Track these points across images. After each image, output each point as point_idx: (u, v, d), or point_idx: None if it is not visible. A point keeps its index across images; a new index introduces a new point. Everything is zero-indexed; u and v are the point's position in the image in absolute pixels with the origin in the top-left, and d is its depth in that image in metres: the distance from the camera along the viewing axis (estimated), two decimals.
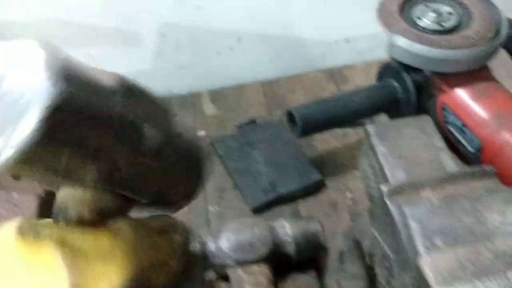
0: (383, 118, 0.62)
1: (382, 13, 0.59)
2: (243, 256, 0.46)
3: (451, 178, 0.41)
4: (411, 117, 0.50)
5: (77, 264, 0.28)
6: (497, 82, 0.58)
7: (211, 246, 0.46)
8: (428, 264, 0.32)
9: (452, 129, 0.57)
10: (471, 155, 0.56)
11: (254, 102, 0.71)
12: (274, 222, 0.50)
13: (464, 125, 0.55)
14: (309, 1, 0.78)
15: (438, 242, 0.33)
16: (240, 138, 0.64)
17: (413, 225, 0.36)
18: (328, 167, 0.62)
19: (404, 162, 0.46)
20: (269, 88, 0.74)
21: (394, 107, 0.60)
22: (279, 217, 0.55)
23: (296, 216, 0.57)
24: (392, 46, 0.56)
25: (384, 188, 0.41)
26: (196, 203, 0.57)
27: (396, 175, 0.45)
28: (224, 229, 0.47)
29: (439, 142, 0.47)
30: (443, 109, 0.57)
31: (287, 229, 0.48)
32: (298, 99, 0.71)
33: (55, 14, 0.72)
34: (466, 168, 0.42)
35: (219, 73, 0.83)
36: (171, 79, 0.82)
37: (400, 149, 0.47)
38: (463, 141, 0.56)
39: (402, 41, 0.55)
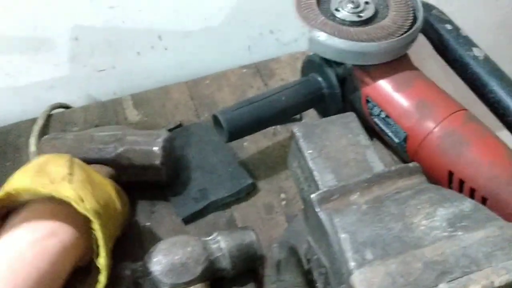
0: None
1: (300, 7, 0.58)
2: (177, 279, 0.44)
3: (378, 179, 0.41)
4: (337, 115, 0.49)
5: None
6: (417, 70, 0.58)
7: (142, 272, 0.44)
8: (359, 282, 0.31)
9: (377, 120, 0.58)
10: (397, 145, 0.56)
11: (180, 104, 0.69)
12: (206, 236, 0.48)
13: (388, 116, 0.56)
14: None
15: (368, 255, 0.33)
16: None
17: (343, 236, 0.35)
18: (260, 168, 0.60)
19: (332, 164, 0.46)
20: (195, 88, 0.71)
21: (320, 102, 0.60)
22: (213, 229, 0.54)
23: (231, 224, 0.55)
24: (311, 40, 0.55)
25: (314, 197, 0.40)
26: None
27: (324, 178, 0.45)
28: (154, 252, 0.45)
29: (365, 140, 0.47)
30: (367, 101, 0.58)
31: (220, 243, 0.46)
32: (225, 98, 0.69)
33: None
34: (392, 167, 0.42)
35: (141, 74, 0.79)
36: (89, 84, 0.78)
37: (327, 149, 0.47)
38: (388, 132, 0.57)
39: (321, 36, 0.55)
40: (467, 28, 0.64)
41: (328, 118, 0.49)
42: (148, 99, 0.69)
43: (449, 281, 0.31)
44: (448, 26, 0.62)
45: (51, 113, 0.68)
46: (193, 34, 0.78)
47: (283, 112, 0.57)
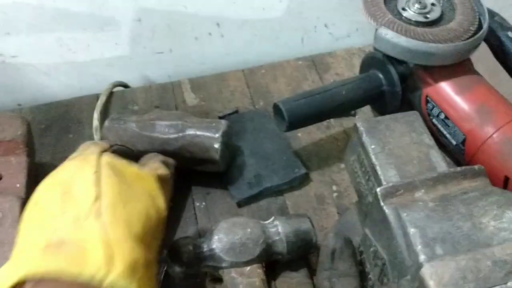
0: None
1: (368, 4, 0.58)
2: (236, 257, 0.45)
3: (443, 179, 0.42)
4: (400, 113, 0.50)
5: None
6: (479, 75, 0.58)
7: (204, 247, 0.46)
8: (430, 275, 0.32)
9: (435, 121, 0.58)
10: (454, 147, 0.57)
11: (236, 91, 0.70)
12: (265, 220, 0.50)
13: (447, 117, 0.56)
14: None
15: (439, 250, 0.34)
16: None
17: (412, 231, 0.36)
18: (313, 159, 0.62)
19: (395, 160, 0.46)
20: (250, 76, 0.72)
21: (379, 99, 0.61)
22: (266, 214, 0.56)
23: (283, 211, 0.57)
24: (378, 38, 0.56)
25: (379, 191, 0.42)
26: (183, 199, 0.58)
27: (387, 173, 0.46)
28: (215, 230, 0.47)
29: (429, 140, 0.48)
30: (427, 101, 0.58)
31: (278, 227, 0.48)
32: (280, 88, 0.71)
33: None
34: (457, 168, 0.43)
35: (197, 59, 0.81)
36: (148, 65, 0.80)
37: (391, 146, 0.48)
38: (446, 134, 0.57)
39: (388, 34, 0.55)
40: None
41: (392, 115, 0.50)
42: (206, 84, 0.71)
43: None
44: (510, 34, 0.62)
45: (112, 90, 0.70)
46: (250, 23, 0.79)
47: (342, 106, 0.58)
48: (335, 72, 0.72)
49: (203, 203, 0.58)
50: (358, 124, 0.49)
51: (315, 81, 0.71)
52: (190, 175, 0.59)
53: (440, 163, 0.46)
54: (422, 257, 0.34)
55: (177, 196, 0.57)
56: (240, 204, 0.57)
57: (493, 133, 0.53)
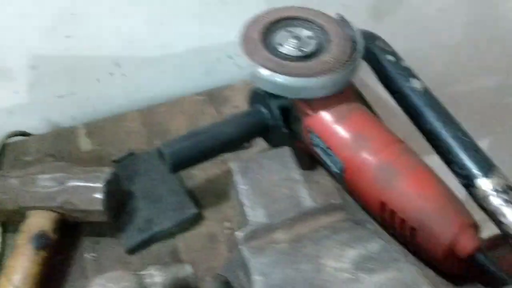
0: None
1: (244, 41, 0.60)
2: None
3: (302, 216, 0.43)
4: (273, 150, 0.51)
5: None
6: (358, 102, 0.60)
7: None
8: None
9: (318, 151, 0.59)
10: (336, 175, 0.58)
11: (132, 133, 0.70)
12: (142, 270, 0.49)
13: (327, 147, 0.58)
14: (185, 21, 0.77)
15: None
16: (118, 174, 0.62)
17: (256, 278, 0.37)
18: (208, 196, 0.62)
19: (264, 200, 0.47)
20: (149, 115, 0.72)
21: (266, 133, 0.62)
22: (156, 259, 0.55)
23: (175, 254, 0.56)
24: (253, 75, 0.57)
25: (238, 234, 0.42)
26: (71, 252, 0.57)
27: (256, 213, 0.46)
28: (90, 287, 0.46)
29: (298, 175, 0.49)
30: (309, 132, 0.59)
31: (155, 277, 0.48)
32: (178, 126, 0.71)
33: None
34: (316, 204, 0.44)
35: (101, 100, 0.80)
36: (50, 110, 0.79)
37: (261, 185, 0.48)
38: (328, 162, 0.58)
39: (262, 71, 0.56)
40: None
41: (265, 153, 0.51)
42: (102, 128, 0.71)
43: None
44: (390, 57, 0.65)
45: (7, 141, 0.69)
46: (150, 60, 0.79)
47: (226, 144, 0.58)
48: (232, 105, 0.73)
49: (92, 254, 0.57)
50: (232, 164, 0.50)
51: (213, 116, 0.72)
52: (80, 225, 0.58)
53: (306, 198, 0.47)
54: None
55: (65, 249, 0.56)
56: (130, 252, 0.56)
57: (369, 160, 0.54)
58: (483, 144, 0.59)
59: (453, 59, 1.02)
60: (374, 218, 0.56)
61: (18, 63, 0.73)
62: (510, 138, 1.25)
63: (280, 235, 0.42)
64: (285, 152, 0.51)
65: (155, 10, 0.75)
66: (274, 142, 0.62)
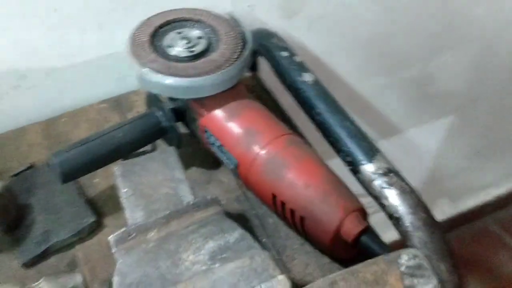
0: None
1: (132, 44, 0.60)
2: None
3: (176, 213, 0.43)
4: (158, 151, 0.51)
5: None
6: (249, 98, 0.61)
7: None
8: None
9: (214, 149, 0.60)
10: (233, 172, 0.59)
11: (33, 145, 0.69)
12: (33, 283, 0.48)
13: (221, 144, 0.58)
14: (88, 29, 0.76)
15: None
16: (16, 188, 0.61)
17: (115, 279, 0.37)
18: (109, 203, 0.61)
19: (145, 201, 0.47)
20: (51, 127, 0.71)
21: (164, 135, 0.62)
22: (54, 271, 0.55)
23: (73, 264, 0.56)
24: (139, 78, 0.57)
25: (111, 238, 0.42)
26: None
27: (135, 215, 0.46)
28: None
29: (180, 174, 0.49)
30: (204, 131, 0.60)
31: None
32: (81, 135, 0.70)
33: None
34: (190, 201, 0.44)
35: (8, 114, 0.78)
36: None
37: (143, 187, 0.48)
38: (225, 160, 0.59)
39: (147, 73, 0.56)
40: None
41: (149, 154, 0.51)
42: (3, 142, 0.69)
43: None
44: (284, 53, 0.66)
45: None
46: (59, 71, 0.78)
47: (120, 149, 0.58)
48: (137, 110, 0.73)
49: None
50: (115, 168, 0.50)
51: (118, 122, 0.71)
52: None
53: (187, 196, 0.47)
54: None
55: None
56: (26, 265, 0.55)
57: (258, 153, 0.55)
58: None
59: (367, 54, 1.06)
60: (275, 212, 0.57)
61: None
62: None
63: (152, 235, 0.42)
64: (170, 152, 0.51)
65: (53, 21, 0.74)
66: (173, 143, 0.62)
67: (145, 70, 0.57)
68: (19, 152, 0.68)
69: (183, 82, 0.56)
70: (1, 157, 0.67)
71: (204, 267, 0.35)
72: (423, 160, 1.48)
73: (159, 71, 0.56)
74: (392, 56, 1.11)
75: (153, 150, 0.66)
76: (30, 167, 0.65)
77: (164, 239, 0.40)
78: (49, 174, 0.63)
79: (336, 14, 0.95)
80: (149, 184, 0.48)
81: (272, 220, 0.59)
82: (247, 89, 0.62)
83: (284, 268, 0.36)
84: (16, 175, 0.64)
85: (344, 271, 0.38)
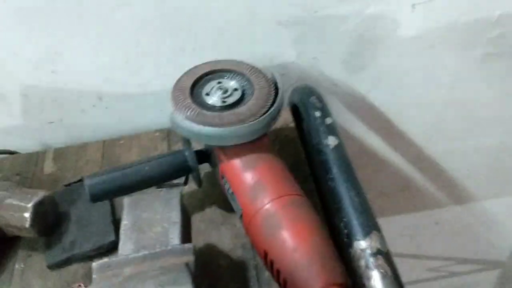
0: None
1: (175, 89, 0.66)
2: None
3: (152, 256, 0.48)
4: (165, 190, 0.56)
5: None
6: (271, 152, 0.64)
7: None
8: None
9: (228, 196, 0.63)
10: (240, 220, 0.62)
11: (90, 161, 0.78)
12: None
13: (233, 192, 0.62)
14: (161, 64, 0.85)
15: None
16: (61, 197, 0.71)
17: None
18: None
19: (137, 236, 0.52)
20: (109, 147, 0.80)
21: (188, 173, 0.67)
22: (72, 277, 0.62)
23: (89, 275, 0.63)
24: (171, 120, 0.63)
25: (94, 265, 0.48)
26: (6, 262, 0.65)
27: (125, 247, 0.52)
28: None
29: (176, 217, 0.54)
30: (222, 177, 0.64)
31: None
32: (130, 159, 0.78)
33: None
34: (169, 246, 0.48)
35: (87, 128, 0.90)
36: (43, 133, 0.90)
37: (140, 222, 0.54)
38: (234, 208, 0.62)
39: (177, 117, 0.62)
40: None
41: (156, 192, 0.57)
42: (66, 154, 0.80)
43: None
44: (317, 113, 0.68)
45: None
46: (127, 97, 0.88)
47: (145, 180, 0.64)
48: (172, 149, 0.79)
49: (22, 265, 0.65)
50: (126, 198, 0.56)
51: (163, 152, 0.78)
52: (19, 238, 0.66)
53: (174, 240, 0.51)
54: None
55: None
56: (51, 267, 0.64)
57: (261, 208, 0.58)
58: None
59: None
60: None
61: (13, 90, 0.84)
62: None
63: (127, 270, 0.47)
64: (174, 193, 0.56)
65: (132, 53, 0.83)
66: (195, 182, 0.67)
67: (175, 114, 0.62)
68: (77, 165, 0.78)
69: (205, 131, 0.61)
70: (62, 167, 0.78)
71: None
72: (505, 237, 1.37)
73: (187, 117, 0.62)
74: (469, 120, 1.05)
75: (185, 183, 0.72)
76: (80, 180, 0.74)
77: (130, 278, 0.44)
78: None
79: (408, 73, 0.94)
80: (147, 220, 0.53)
81: (268, 274, 0.61)
82: (276, 142, 0.65)
83: None
84: (67, 185, 0.73)
85: None
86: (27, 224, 0.62)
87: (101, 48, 0.82)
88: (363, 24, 0.83)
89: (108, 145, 0.81)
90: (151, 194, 0.56)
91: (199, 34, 0.80)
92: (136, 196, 0.58)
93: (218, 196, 0.69)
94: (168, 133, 0.82)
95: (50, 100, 0.87)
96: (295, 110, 0.72)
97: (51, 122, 0.90)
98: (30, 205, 0.63)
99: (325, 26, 0.82)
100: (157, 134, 0.82)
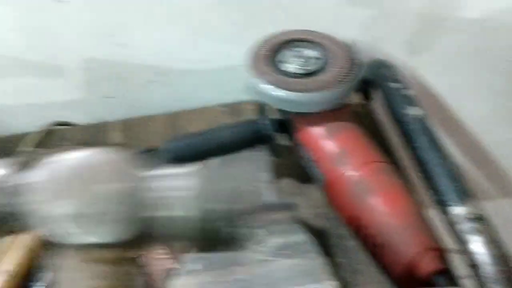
0: None
1: (252, 58, 0.65)
2: None
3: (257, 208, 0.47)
4: (249, 152, 0.56)
5: None
6: (351, 121, 0.63)
7: None
8: None
9: (306, 163, 0.62)
10: (319, 186, 0.61)
11: (157, 133, 0.78)
12: None
13: (312, 160, 0.61)
14: (218, 38, 0.84)
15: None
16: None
17: None
18: None
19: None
20: (175, 120, 0.80)
21: (263, 142, 0.66)
22: None
23: None
24: (251, 87, 0.62)
25: None
26: None
27: None
28: None
29: (264, 176, 0.53)
30: (300, 144, 0.63)
31: None
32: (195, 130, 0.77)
33: None
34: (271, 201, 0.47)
35: (146, 103, 0.90)
36: (100, 108, 0.90)
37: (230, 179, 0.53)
38: (315, 175, 0.61)
39: (258, 83, 0.61)
40: None
41: (242, 154, 0.56)
42: (133, 125, 0.80)
43: None
44: (396, 85, 0.67)
45: (52, 128, 0.80)
46: (188, 73, 0.87)
47: (220, 148, 0.63)
48: (246, 118, 0.78)
49: None
50: (210, 161, 0.55)
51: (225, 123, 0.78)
52: None
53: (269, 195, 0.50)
54: None
55: None
56: None
57: (347, 174, 0.57)
58: None
59: None
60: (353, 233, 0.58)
61: (72, 64, 0.84)
62: None
63: None
64: (261, 155, 0.55)
65: (193, 30, 0.83)
66: (272, 152, 0.66)
67: (256, 80, 0.62)
68: (144, 136, 0.77)
69: (288, 96, 0.60)
70: (130, 137, 0.78)
71: (266, 258, 0.38)
72: None
73: (269, 82, 0.61)
74: None
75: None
76: (147, 150, 0.74)
77: None
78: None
79: (471, 55, 0.92)
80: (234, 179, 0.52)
81: (353, 243, 0.59)
82: (355, 115, 0.64)
83: (340, 279, 0.38)
84: (144, 152, 0.73)
85: None
86: None
87: (166, 23, 0.82)
88: (428, 3, 0.81)
89: (174, 118, 0.81)
90: (237, 157, 0.56)
91: (264, 9, 0.79)
92: (223, 158, 0.58)
93: (291, 168, 0.68)
94: (233, 108, 0.81)
95: (110, 74, 0.87)
96: (367, 85, 0.71)
97: (110, 97, 0.90)
98: None
99: (390, 5, 0.81)
100: (222, 108, 0.81)
